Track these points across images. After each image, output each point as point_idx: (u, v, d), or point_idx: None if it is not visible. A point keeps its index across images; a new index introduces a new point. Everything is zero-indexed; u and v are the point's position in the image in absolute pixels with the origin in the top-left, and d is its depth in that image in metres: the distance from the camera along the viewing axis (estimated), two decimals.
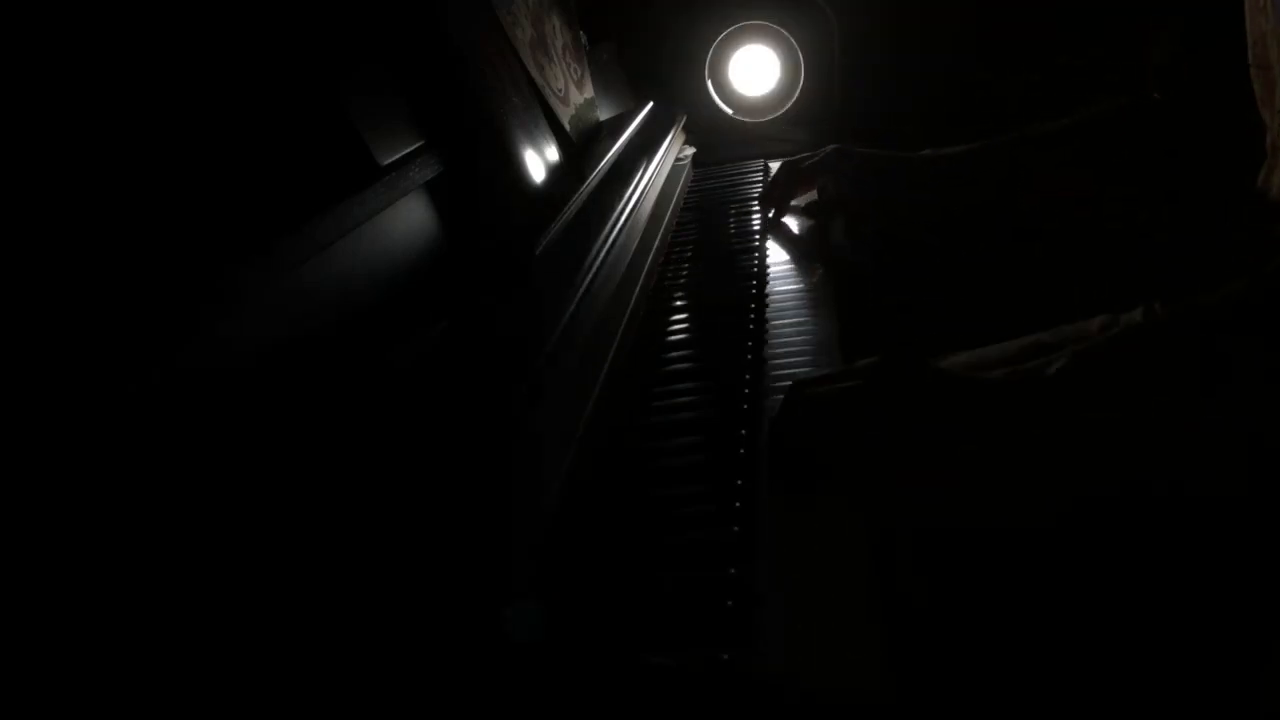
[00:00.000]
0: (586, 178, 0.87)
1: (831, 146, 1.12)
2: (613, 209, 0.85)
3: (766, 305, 0.90)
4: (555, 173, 0.85)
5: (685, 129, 1.43)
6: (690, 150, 1.46)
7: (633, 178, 0.96)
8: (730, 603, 0.49)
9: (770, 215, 1.15)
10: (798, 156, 1.16)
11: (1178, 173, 0.86)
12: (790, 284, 0.95)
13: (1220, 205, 0.76)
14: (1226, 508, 0.59)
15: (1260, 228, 0.66)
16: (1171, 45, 0.86)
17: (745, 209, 1.22)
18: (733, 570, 0.51)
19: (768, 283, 0.95)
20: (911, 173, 1.05)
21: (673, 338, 0.86)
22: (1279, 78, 0.66)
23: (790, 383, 0.65)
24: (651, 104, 1.29)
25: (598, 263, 0.74)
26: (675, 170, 1.31)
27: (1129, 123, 0.91)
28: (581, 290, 0.68)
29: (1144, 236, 0.84)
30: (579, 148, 0.96)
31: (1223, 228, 0.64)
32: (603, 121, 1.12)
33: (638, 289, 0.88)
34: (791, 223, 1.14)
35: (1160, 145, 0.88)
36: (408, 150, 0.62)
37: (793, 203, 1.17)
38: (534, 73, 0.89)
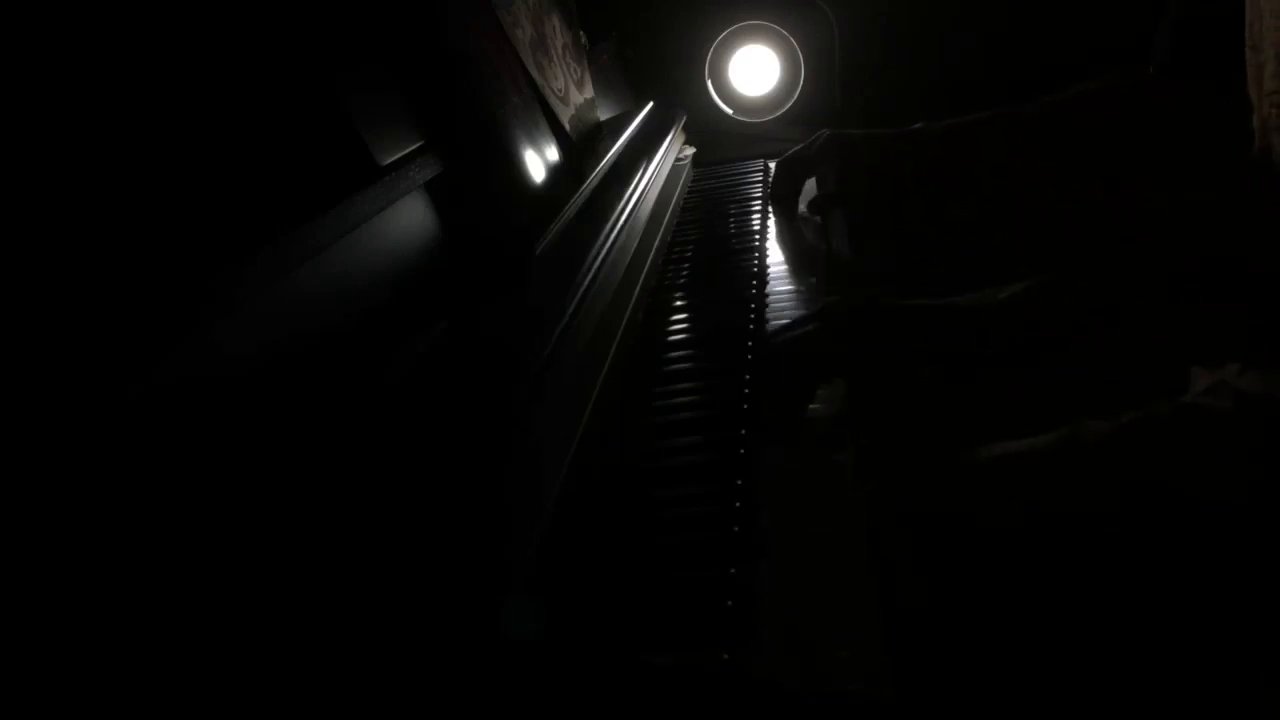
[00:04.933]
0: (586, 178, 0.87)
1: (825, 132, 1.12)
2: (612, 209, 0.85)
3: (766, 305, 0.90)
4: (555, 173, 0.85)
5: (685, 129, 1.43)
6: (690, 150, 1.45)
7: (633, 178, 0.96)
8: (730, 603, 0.49)
9: (780, 217, 1.15)
10: (791, 150, 1.16)
11: (1165, 150, 0.87)
12: (790, 284, 0.95)
13: (1208, 180, 0.77)
14: (1229, 512, 0.59)
15: (1251, 199, 0.67)
16: (1169, 26, 0.86)
17: (745, 209, 1.22)
18: (733, 570, 0.51)
19: (768, 283, 0.95)
20: (902, 146, 1.06)
21: (673, 338, 0.86)
22: (1267, 60, 0.67)
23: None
24: (651, 104, 1.29)
25: (597, 263, 0.73)
26: (675, 170, 1.30)
27: (1117, 100, 0.92)
28: (581, 291, 0.68)
29: (1124, 212, 0.85)
30: (579, 148, 0.95)
31: (1210, 202, 0.65)
32: (603, 121, 1.12)
33: (638, 289, 0.88)
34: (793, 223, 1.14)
35: (1148, 122, 0.89)
36: (407, 150, 0.62)
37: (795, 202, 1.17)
38: (534, 73, 0.88)
